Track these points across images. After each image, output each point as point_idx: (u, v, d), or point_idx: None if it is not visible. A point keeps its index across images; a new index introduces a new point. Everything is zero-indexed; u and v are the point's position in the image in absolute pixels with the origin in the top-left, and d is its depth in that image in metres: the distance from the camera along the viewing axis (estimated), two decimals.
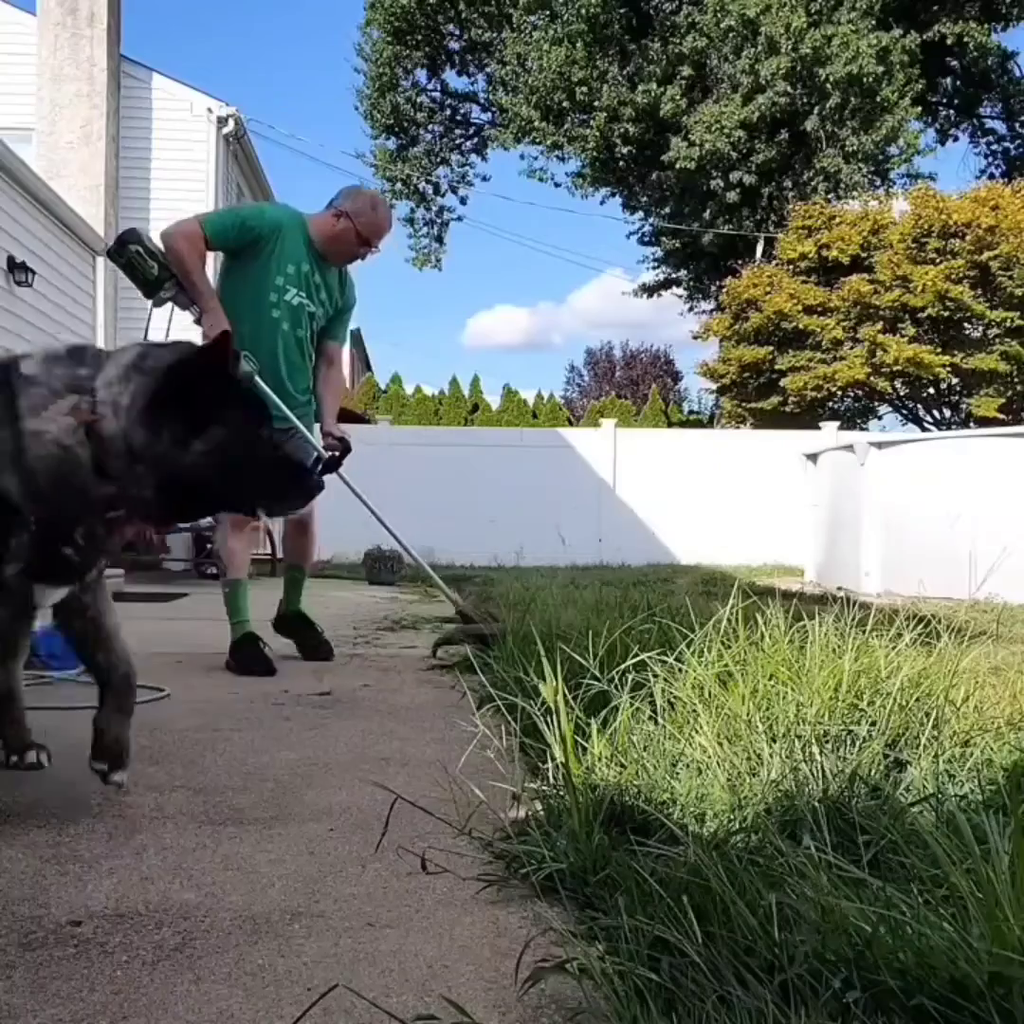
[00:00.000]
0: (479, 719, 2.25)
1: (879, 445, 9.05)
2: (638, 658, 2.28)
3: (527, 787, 1.93)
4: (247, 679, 3.65)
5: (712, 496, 13.93)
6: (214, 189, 13.34)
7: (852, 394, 18.55)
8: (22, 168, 7.84)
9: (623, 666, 2.24)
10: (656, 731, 2.02)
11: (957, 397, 18.04)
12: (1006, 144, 26.79)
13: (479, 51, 26.13)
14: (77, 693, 3.27)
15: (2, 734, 2.27)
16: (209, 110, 13.17)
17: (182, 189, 13.02)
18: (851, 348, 17.23)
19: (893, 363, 16.48)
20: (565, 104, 22.80)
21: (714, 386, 20.90)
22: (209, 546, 9.98)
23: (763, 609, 2.52)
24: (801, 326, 17.54)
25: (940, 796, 1.71)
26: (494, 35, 24.99)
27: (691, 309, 26.59)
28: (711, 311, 23.98)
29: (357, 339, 27.51)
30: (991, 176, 25.59)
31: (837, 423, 15.13)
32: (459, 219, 27.78)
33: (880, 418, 20.24)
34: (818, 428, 14.43)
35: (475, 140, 27.93)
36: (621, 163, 23.56)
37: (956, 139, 27.44)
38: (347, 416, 11.17)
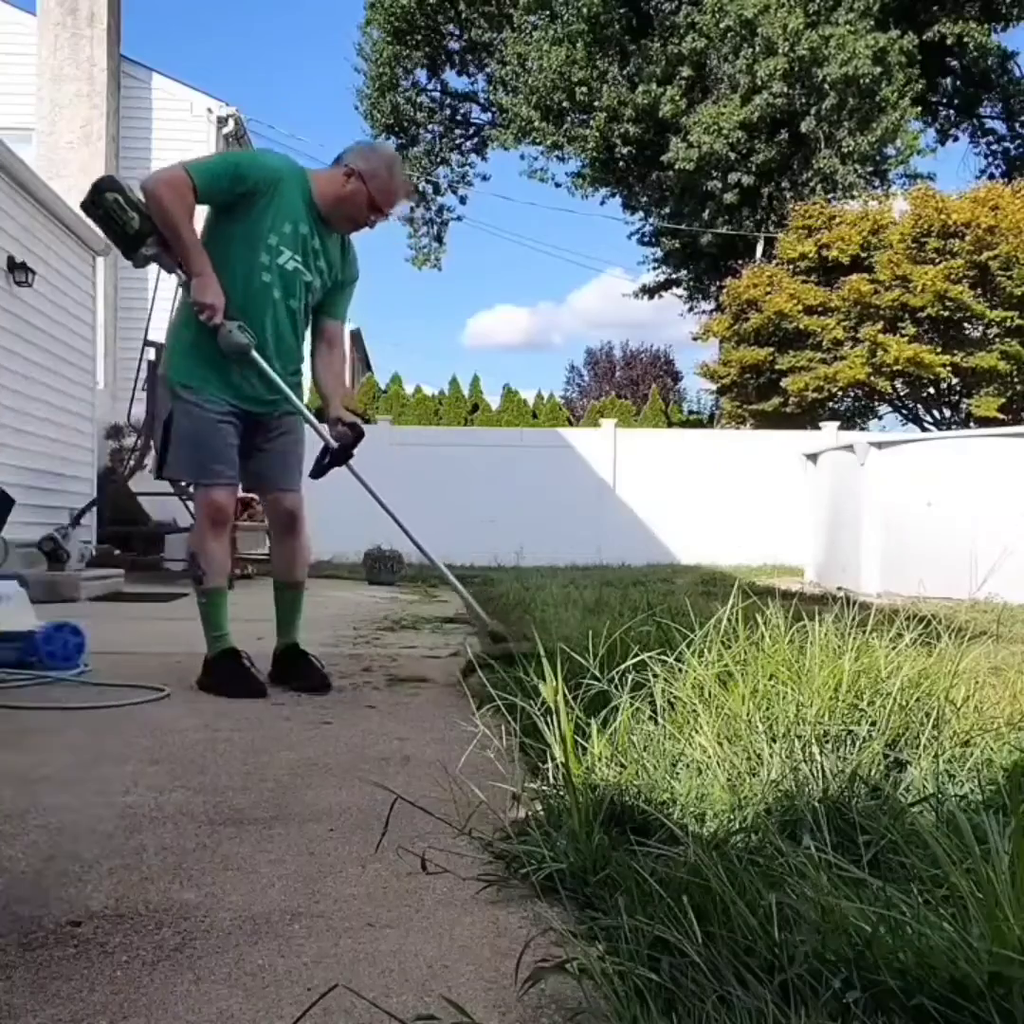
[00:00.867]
0: (479, 719, 2.25)
1: (879, 445, 9.05)
2: (638, 658, 2.28)
3: (527, 787, 1.93)
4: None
5: (712, 496, 13.92)
6: None
7: (852, 394, 18.54)
8: (22, 168, 7.84)
9: (623, 666, 2.24)
10: (656, 731, 2.02)
11: (957, 397, 18.03)
12: (1006, 144, 26.79)
13: (479, 51, 26.14)
14: (76, 693, 3.28)
15: None
16: (209, 110, 13.18)
17: None
18: (852, 348, 17.23)
19: (893, 363, 16.47)
20: (565, 104, 22.80)
21: (714, 387, 20.90)
22: None
23: (763, 609, 2.52)
24: (801, 326, 17.53)
25: (940, 796, 1.71)
26: (494, 35, 25.00)
27: (691, 309, 26.60)
28: (711, 311, 23.97)
29: (357, 339, 27.50)
30: (991, 176, 25.60)
31: (837, 423, 15.13)
32: (459, 219, 27.81)
33: (880, 418, 20.24)
34: (818, 428, 14.43)
35: (475, 140, 27.94)
36: (621, 163, 23.55)
37: (956, 139, 27.46)
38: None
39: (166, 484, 8.97)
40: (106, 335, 12.32)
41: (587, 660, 2.26)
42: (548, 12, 22.62)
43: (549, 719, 1.95)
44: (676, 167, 21.60)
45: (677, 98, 21.56)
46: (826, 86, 20.62)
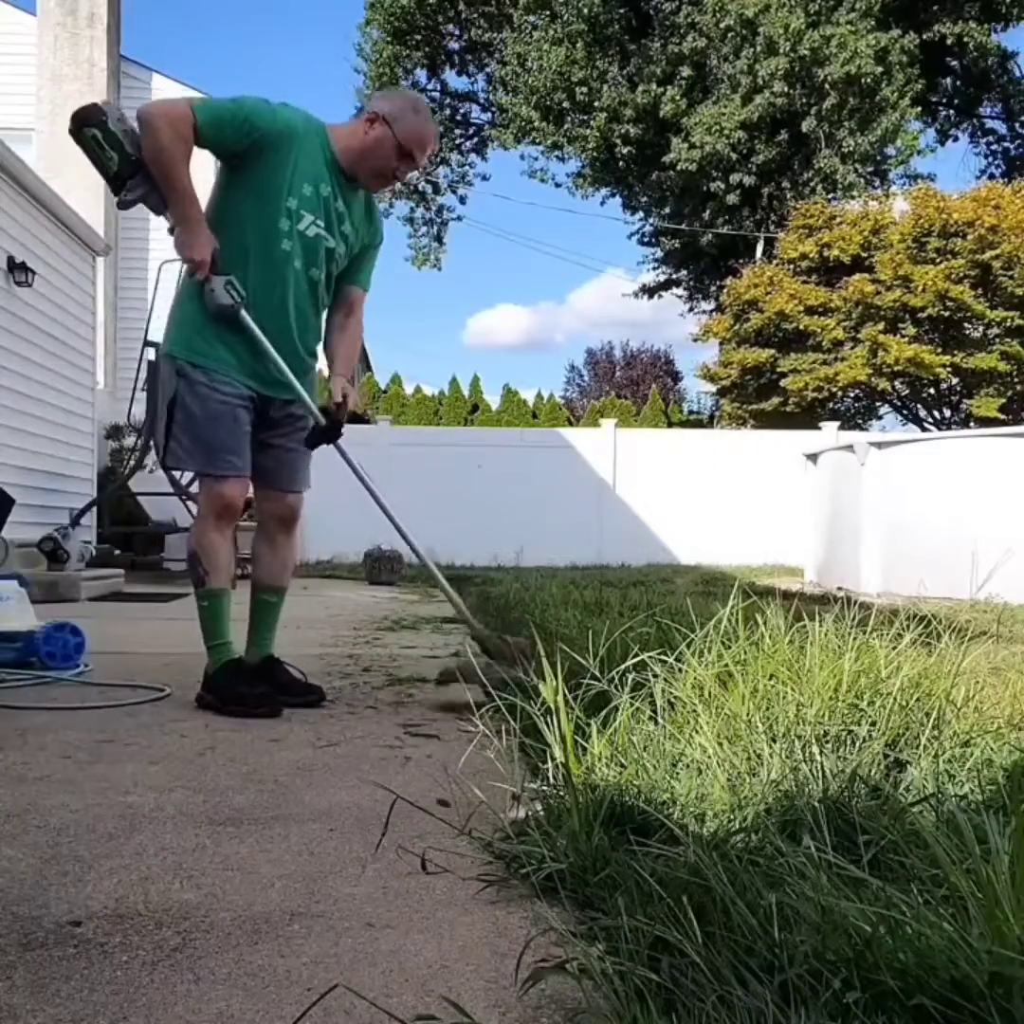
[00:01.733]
0: (479, 719, 2.25)
1: (879, 445, 9.05)
2: (638, 658, 2.28)
3: (527, 787, 1.93)
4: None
5: (712, 496, 13.92)
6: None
7: (852, 394, 18.55)
8: (22, 168, 7.84)
9: (623, 666, 2.24)
10: (656, 731, 2.02)
11: (957, 397, 18.04)
12: (1006, 144, 26.80)
13: (479, 51, 26.14)
14: (76, 693, 3.28)
15: None
16: None
17: None
18: (852, 348, 17.23)
19: (894, 363, 16.48)
20: (565, 104, 22.80)
21: (714, 389, 20.90)
22: None
23: (763, 609, 2.52)
24: (802, 326, 17.54)
25: (940, 796, 1.71)
26: (494, 35, 25.00)
27: (691, 309, 26.62)
28: (711, 312, 23.98)
29: None
30: (991, 176, 25.62)
31: (837, 423, 15.12)
32: (459, 219, 27.83)
33: (880, 418, 20.26)
34: (818, 428, 14.43)
35: (475, 140, 27.95)
36: (621, 163, 23.55)
37: (956, 139, 27.47)
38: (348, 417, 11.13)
39: (166, 484, 8.98)
40: (106, 335, 12.33)
41: (587, 660, 2.26)
42: (548, 12, 22.62)
43: (549, 719, 1.95)
44: (677, 167, 21.61)
45: (677, 98, 21.56)
46: (827, 86, 20.62)
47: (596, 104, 22.35)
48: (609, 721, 2.01)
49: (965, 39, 23.06)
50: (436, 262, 27.73)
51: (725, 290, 19.62)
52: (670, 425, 23.18)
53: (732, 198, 21.88)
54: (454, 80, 27.52)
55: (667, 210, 24.57)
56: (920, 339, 16.77)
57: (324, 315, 3.24)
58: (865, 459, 8.85)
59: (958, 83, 26.26)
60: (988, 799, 1.73)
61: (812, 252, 17.93)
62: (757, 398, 18.68)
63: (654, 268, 26.94)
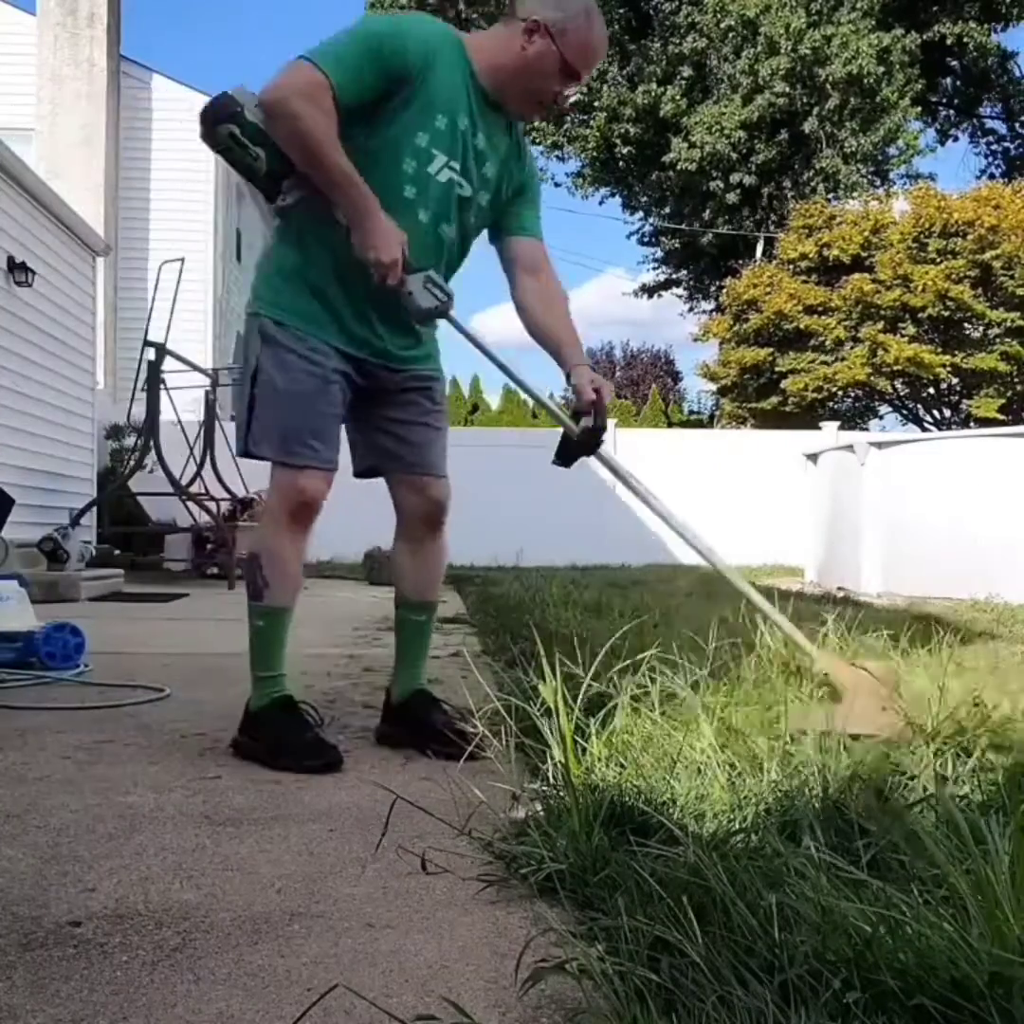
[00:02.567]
0: (479, 719, 2.25)
1: (879, 445, 9.04)
2: (638, 658, 2.28)
3: (527, 787, 1.93)
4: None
5: (712, 496, 13.90)
6: (215, 189, 13.34)
7: (852, 394, 18.56)
8: (22, 168, 7.84)
9: (623, 666, 2.24)
10: (656, 731, 2.02)
11: (957, 397, 18.05)
12: (1006, 144, 26.83)
13: None
14: (76, 693, 3.27)
15: None
16: None
17: (182, 189, 13.02)
18: (852, 348, 17.24)
19: (894, 363, 16.49)
20: None
21: (714, 388, 20.92)
22: (209, 546, 9.97)
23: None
24: (802, 326, 17.54)
25: (940, 796, 1.71)
26: None
27: (691, 309, 26.64)
28: (711, 311, 23.99)
29: None
30: (991, 176, 25.64)
31: (837, 423, 15.12)
32: None
33: (880, 418, 20.27)
34: (818, 428, 14.43)
35: None
36: (621, 163, 23.56)
37: (956, 139, 27.51)
38: None
39: (166, 484, 8.98)
40: (106, 335, 12.33)
41: (587, 660, 2.26)
42: None
43: (549, 719, 1.95)
44: (677, 167, 21.61)
45: (678, 98, 21.57)
46: (828, 86, 20.63)
47: (596, 104, 22.35)
48: (609, 721, 2.02)
49: (965, 39, 23.08)
50: None
51: (725, 290, 19.64)
52: (670, 425, 23.20)
53: (732, 198, 21.89)
54: None
55: (667, 210, 24.58)
56: (920, 339, 16.78)
57: (455, 274, 2.58)
58: (865, 459, 8.84)
59: (958, 83, 26.28)
60: (988, 799, 1.72)
61: (812, 252, 17.94)
62: (757, 397, 18.69)
63: (654, 268, 26.99)
